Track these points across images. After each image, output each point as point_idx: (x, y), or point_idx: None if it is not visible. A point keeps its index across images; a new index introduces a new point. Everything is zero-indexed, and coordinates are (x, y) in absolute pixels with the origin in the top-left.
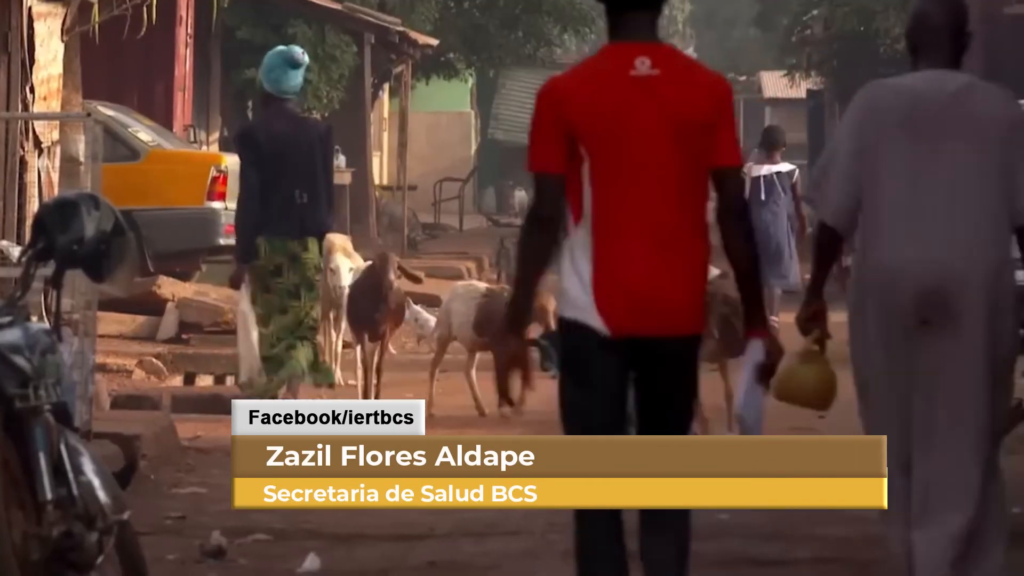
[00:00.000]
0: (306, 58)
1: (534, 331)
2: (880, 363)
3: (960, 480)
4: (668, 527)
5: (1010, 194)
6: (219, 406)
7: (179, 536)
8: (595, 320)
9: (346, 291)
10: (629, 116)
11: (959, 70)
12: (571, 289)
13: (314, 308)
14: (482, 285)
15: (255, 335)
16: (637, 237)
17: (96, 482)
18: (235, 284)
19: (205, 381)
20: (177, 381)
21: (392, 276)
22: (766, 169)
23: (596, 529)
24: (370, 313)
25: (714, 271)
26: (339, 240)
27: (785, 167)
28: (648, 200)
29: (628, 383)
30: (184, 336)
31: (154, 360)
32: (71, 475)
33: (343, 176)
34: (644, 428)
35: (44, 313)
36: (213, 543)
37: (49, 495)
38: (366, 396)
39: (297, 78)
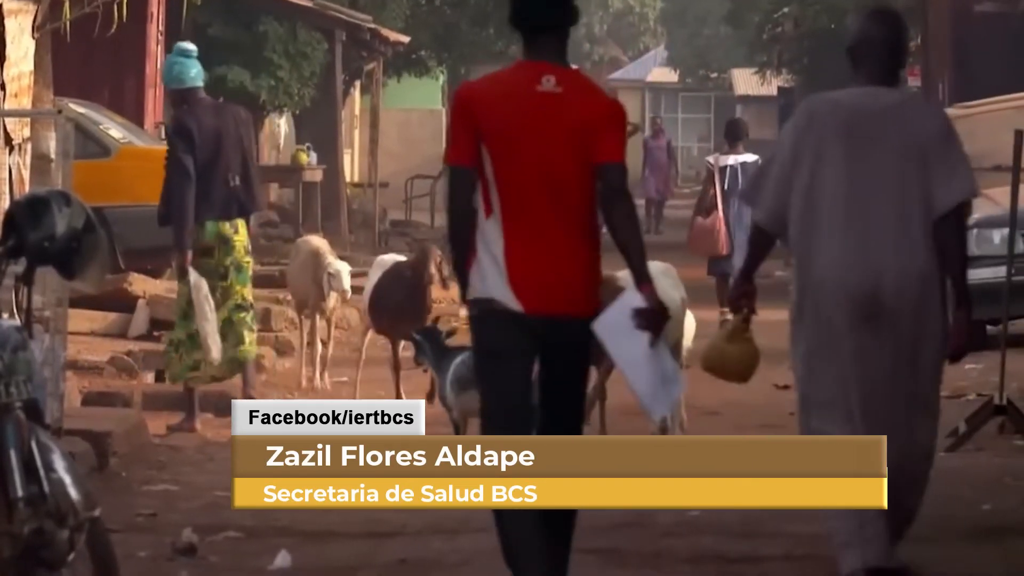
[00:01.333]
0: (193, 47)
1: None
2: (819, 355)
3: (902, 448)
4: None
5: (933, 190)
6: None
7: (150, 533)
8: (510, 299)
9: (349, 294)
10: (532, 125)
11: (896, 85)
12: (487, 273)
13: (245, 288)
14: (398, 257)
15: (212, 316)
16: (541, 229)
17: (67, 479)
18: (183, 272)
19: None
20: (148, 378)
21: (432, 271)
22: (732, 160)
23: (520, 525)
24: (406, 312)
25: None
26: (320, 242)
27: (749, 158)
28: (548, 198)
29: (533, 362)
30: (155, 333)
31: (125, 357)
32: (42, 472)
33: (315, 173)
34: (544, 404)
35: (15, 310)
36: (184, 540)
37: (20, 492)
38: (399, 397)
39: (197, 66)
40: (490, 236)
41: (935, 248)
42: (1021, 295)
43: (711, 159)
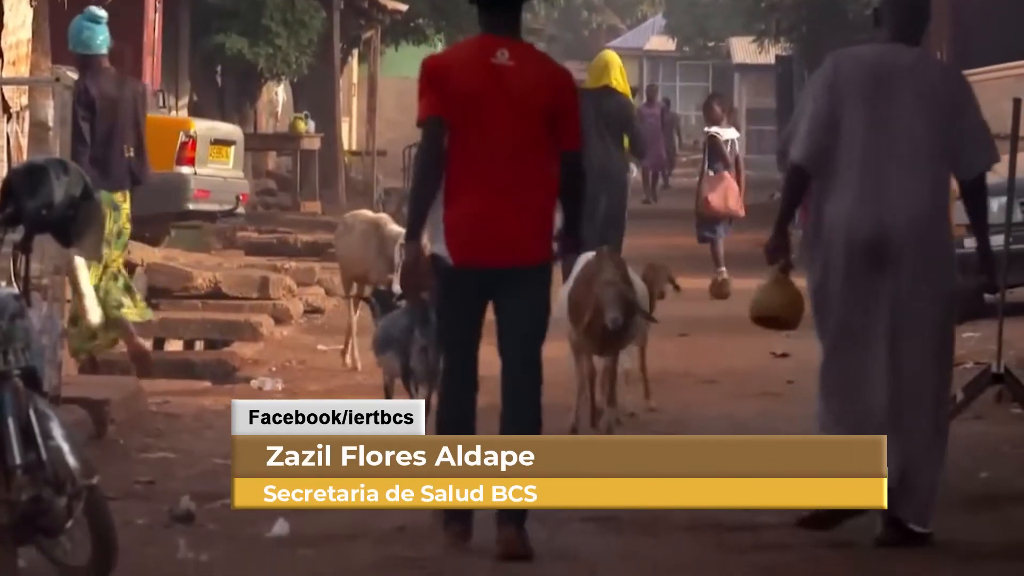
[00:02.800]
0: (104, 12)
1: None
2: (834, 295)
3: (921, 389)
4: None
5: (955, 155)
6: (188, 371)
7: (148, 501)
8: (445, 253)
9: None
10: (484, 93)
11: (918, 44)
12: (436, 230)
13: (120, 254)
14: (368, 213)
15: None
16: (482, 187)
17: (65, 447)
18: None
19: (174, 346)
20: (146, 346)
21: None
22: (717, 131)
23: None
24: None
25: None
26: (376, 215)
27: (733, 132)
28: (494, 159)
29: (480, 307)
30: (153, 301)
31: None
32: (40, 440)
33: (312, 141)
34: (502, 345)
35: (13, 278)
36: (182, 508)
37: (18, 460)
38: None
39: (104, 33)
40: (440, 196)
41: (945, 196)
42: (1019, 264)
43: (713, 130)
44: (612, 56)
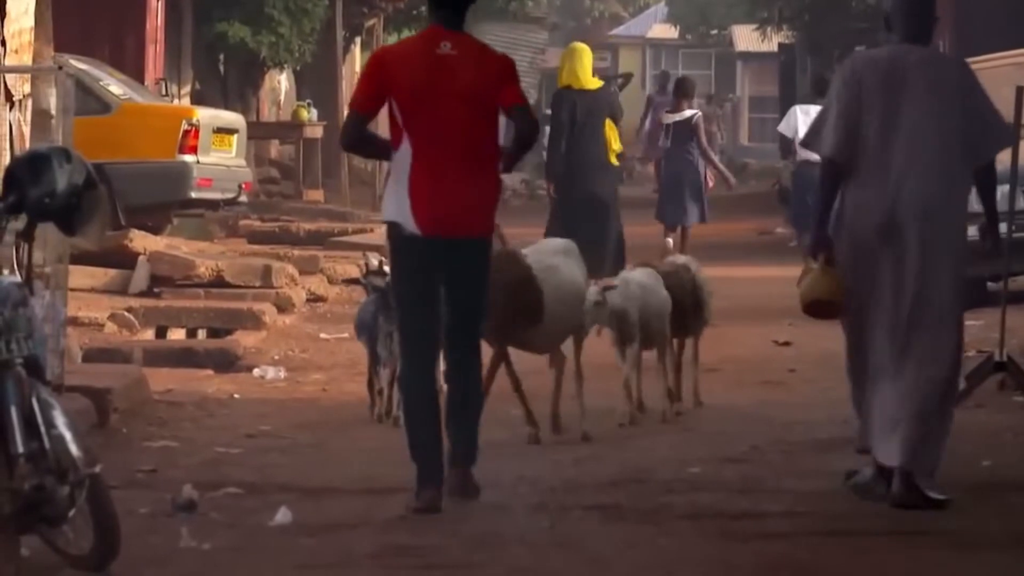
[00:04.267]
0: None
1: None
2: (858, 273)
3: (936, 345)
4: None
5: (970, 143)
6: (191, 360)
7: (150, 490)
8: (411, 223)
9: None
10: (431, 80)
11: (927, 44)
12: (395, 199)
13: None
14: None
15: None
16: (441, 165)
17: (68, 435)
18: None
19: (177, 335)
20: (149, 335)
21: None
22: (678, 117)
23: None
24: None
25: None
26: None
27: (687, 113)
28: (446, 136)
29: (435, 273)
30: (156, 290)
31: (126, 314)
32: (43, 428)
33: (315, 130)
34: (449, 316)
35: (15, 266)
36: (184, 497)
37: (21, 448)
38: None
39: None
40: (400, 169)
41: (956, 181)
42: (1022, 252)
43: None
44: (565, 54)
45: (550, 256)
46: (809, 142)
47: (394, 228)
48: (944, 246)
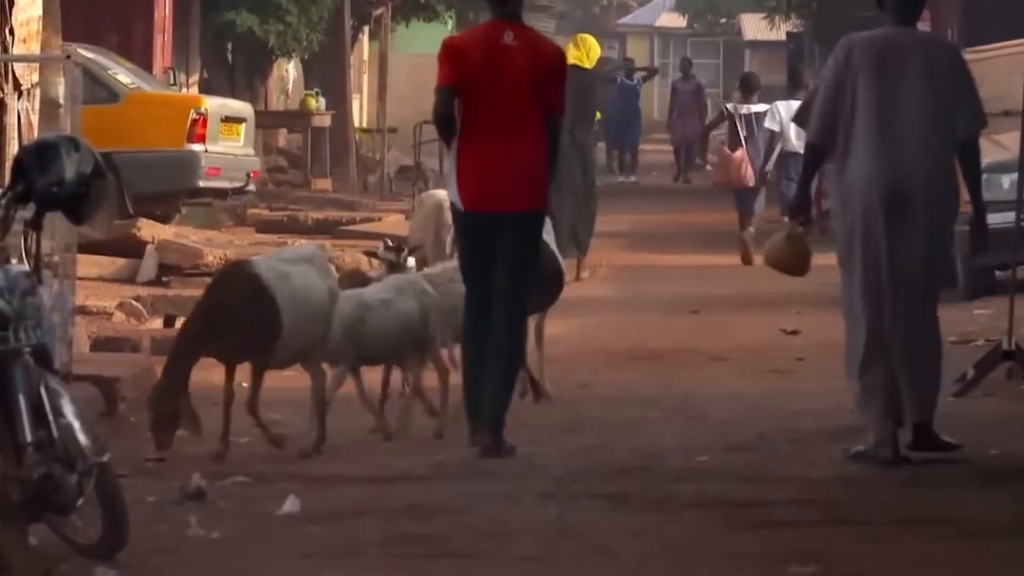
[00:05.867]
0: None
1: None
2: (856, 242)
3: (927, 310)
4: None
5: (954, 120)
6: None
7: (159, 479)
8: (458, 200)
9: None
10: (493, 67)
11: (914, 26)
12: (450, 179)
13: None
14: (441, 194)
15: None
16: (489, 145)
17: (76, 424)
18: None
19: None
20: (157, 324)
21: None
22: (745, 109)
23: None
24: None
25: None
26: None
27: (761, 107)
28: (500, 121)
29: (489, 245)
30: (164, 278)
31: (134, 302)
32: (51, 417)
33: (323, 119)
34: (498, 283)
35: (24, 255)
36: (193, 485)
37: (29, 437)
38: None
39: None
40: (453, 151)
41: (949, 156)
42: None
43: (730, 106)
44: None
45: (287, 264)
46: (799, 121)
47: (453, 207)
48: (937, 215)
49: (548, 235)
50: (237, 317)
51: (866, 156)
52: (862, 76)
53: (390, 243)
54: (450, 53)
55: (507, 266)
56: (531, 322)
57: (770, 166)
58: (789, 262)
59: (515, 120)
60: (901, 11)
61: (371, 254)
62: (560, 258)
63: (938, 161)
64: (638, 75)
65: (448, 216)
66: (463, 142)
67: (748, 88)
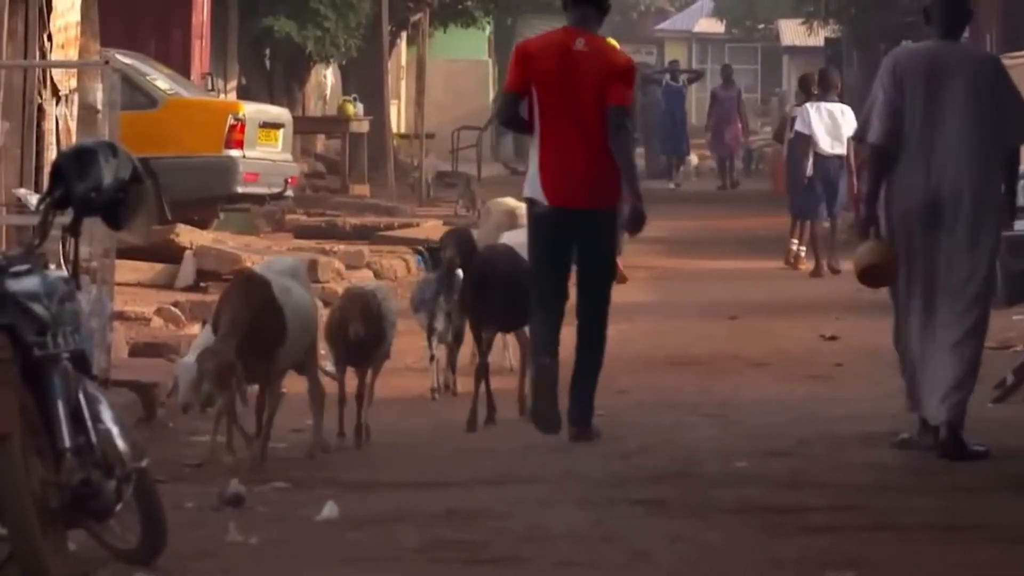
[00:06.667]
0: None
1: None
2: (900, 249)
3: (968, 317)
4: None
5: (999, 131)
6: None
7: (197, 484)
8: (541, 195)
9: None
10: (566, 71)
11: (959, 39)
12: (530, 176)
13: None
14: (510, 201)
15: None
16: (567, 147)
17: (114, 430)
18: None
19: None
20: (195, 329)
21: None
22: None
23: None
24: None
25: None
26: (516, 203)
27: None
28: (574, 121)
29: (568, 242)
30: (202, 284)
31: (172, 308)
32: (89, 423)
33: (361, 124)
34: (580, 278)
35: (62, 261)
36: (231, 491)
37: (67, 443)
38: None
39: None
40: (534, 150)
41: (995, 168)
42: None
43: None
44: None
45: (283, 277)
46: (861, 131)
47: (530, 203)
48: (980, 225)
49: (523, 250)
50: (254, 326)
51: (912, 167)
52: (908, 88)
53: (433, 245)
54: (520, 58)
55: (588, 262)
56: (514, 339)
57: (810, 171)
58: (882, 259)
59: (589, 122)
60: (946, 25)
61: (418, 252)
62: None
63: (983, 173)
64: (683, 77)
65: (521, 222)
66: (542, 142)
67: (806, 88)
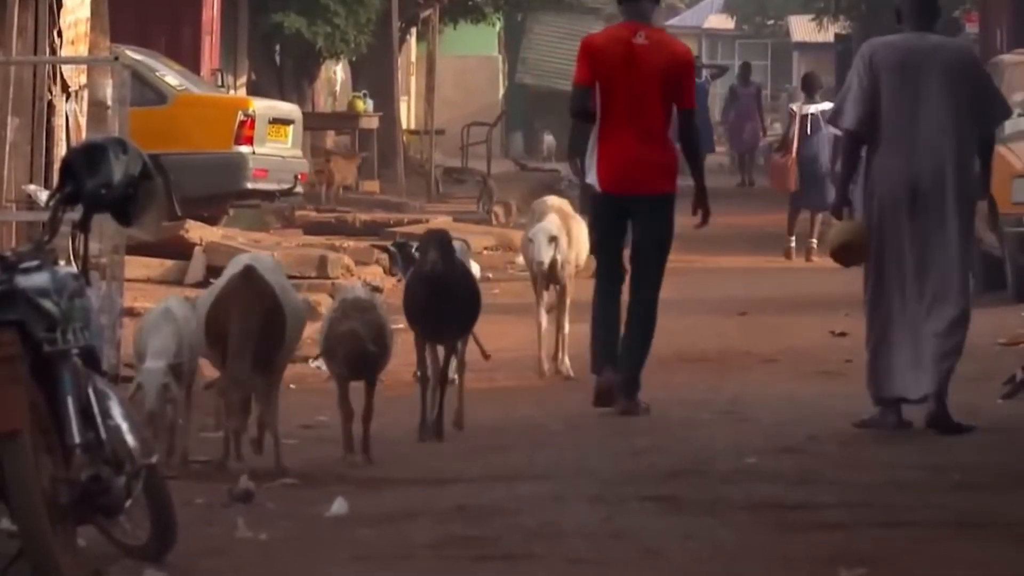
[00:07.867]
0: None
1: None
2: (884, 233)
3: (948, 292)
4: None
5: (975, 116)
6: None
7: (207, 480)
8: (596, 182)
9: (544, 264)
10: (628, 64)
11: (931, 31)
12: (589, 163)
13: None
14: (555, 200)
15: None
16: (624, 134)
17: (124, 426)
18: None
19: None
20: None
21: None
22: (813, 108)
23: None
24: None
25: None
26: (560, 201)
27: (826, 105)
28: (633, 112)
29: (623, 225)
30: (212, 280)
31: None
32: (99, 419)
33: (371, 120)
34: (634, 257)
35: (72, 257)
36: (241, 487)
37: (77, 439)
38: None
39: None
40: (594, 138)
41: (969, 152)
42: None
43: (794, 107)
44: None
45: (278, 275)
46: (834, 116)
47: (590, 188)
48: (958, 207)
49: (466, 258)
50: (261, 336)
51: (889, 152)
52: (884, 77)
53: (401, 240)
54: (587, 53)
55: (644, 243)
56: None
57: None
58: (854, 237)
59: (647, 112)
60: (917, 19)
61: (385, 249)
62: (477, 278)
63: (960, 157)
64: (707, 72)
65: (537, 228)
66: (602, 131)
67: (810, 87)
